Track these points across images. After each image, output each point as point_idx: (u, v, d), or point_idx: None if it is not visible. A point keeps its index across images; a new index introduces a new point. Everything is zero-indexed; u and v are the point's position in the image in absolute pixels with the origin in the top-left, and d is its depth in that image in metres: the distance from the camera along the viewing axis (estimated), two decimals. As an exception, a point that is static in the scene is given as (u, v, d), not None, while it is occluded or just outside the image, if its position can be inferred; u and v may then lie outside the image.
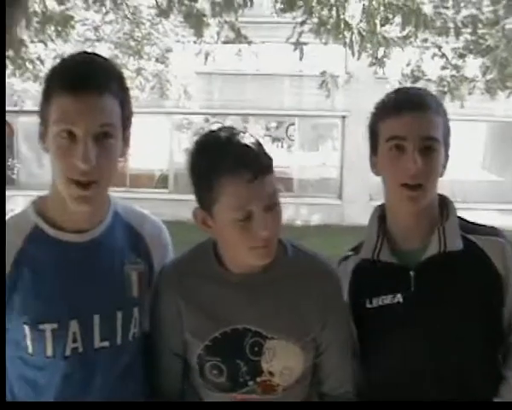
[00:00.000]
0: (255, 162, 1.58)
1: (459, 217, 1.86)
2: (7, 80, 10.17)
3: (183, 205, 15.48)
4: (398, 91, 1.88)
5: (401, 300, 1.80)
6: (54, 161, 1.58)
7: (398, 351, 1.80)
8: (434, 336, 1.75)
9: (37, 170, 16.49)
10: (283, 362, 1.73)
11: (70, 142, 1.53)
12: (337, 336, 1.80)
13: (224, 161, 1.59)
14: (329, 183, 16.83)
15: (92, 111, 1.53)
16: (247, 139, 1.63)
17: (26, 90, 11.58)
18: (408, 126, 1.74)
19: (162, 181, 17.19)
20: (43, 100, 1.59)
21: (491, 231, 1.84)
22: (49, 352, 1.63)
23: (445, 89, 9.17)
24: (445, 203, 1.88)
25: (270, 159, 1.65)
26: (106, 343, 1.68)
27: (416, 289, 1.78)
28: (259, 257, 1.66)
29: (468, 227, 1.84)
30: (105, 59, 1.65)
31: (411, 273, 1.79)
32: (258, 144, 1.64)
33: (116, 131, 1.60)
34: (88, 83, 1.52)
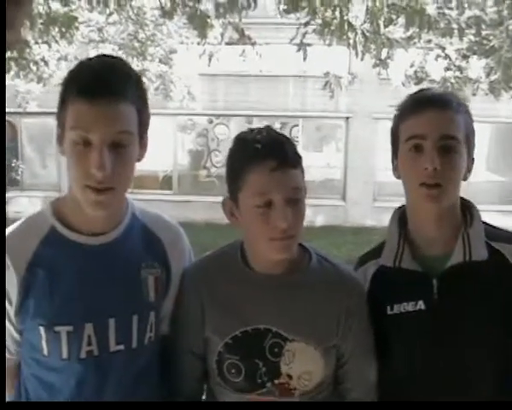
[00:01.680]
0: (280, 153, 1.63)
1: (484, 222, 1.83)
2: (11, 82, 10.21)
3: (187, 206, 15.45)
4: (418, 92, 1.85)
5: (423, 307, 1.77)
6: (69, 165, 1.58)
7: (418, 358, 1.78)
8: (456, 344, 1.73)
9: (40, 171, 16.53)
10: (302, 366, 1.74)
11: (85, 149, 1.53)
12: (360, 346, 1.80)
13: (250, 149, 1.66)
14: (333, 184, 16.82)
15: (108, 119, 1.52)
16: (277, 134, 1.71)
17: (29, 92, 11.62)
18: (426, 125, 1.72)
19: (166, 182, 17.18)
20: (60, 103, 1.58)
21: None
22: (65, 354, 1.64)
23: (449, 90, 9.15)
24: (468, 208, 1.84)
25: (298, 156, 1.70)
26: (121, 347, 1.68)
27: (438, 297, 1.76)
28: (278, 250, 1.67)
29: (493, 234, 1.80)
30: (123, 63, 1.63)
31: (434, 281, 1.77)
32: (288, 141, 1.70)
33: (132, 138, 1.59)
34: (105, 89, 1.51)
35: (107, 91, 1.51)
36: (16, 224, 1.70)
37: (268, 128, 1.75)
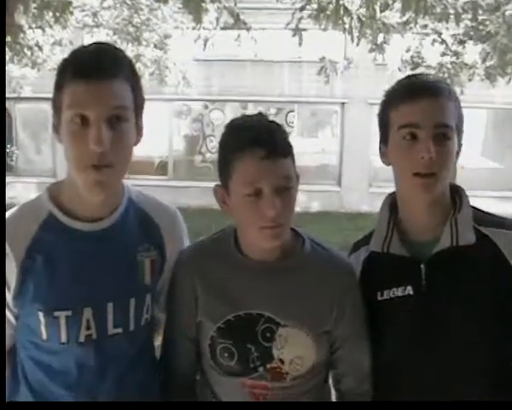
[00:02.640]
0: (269, 142, 1.63)
1: (473, 207, 1.83)
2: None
3: (183, 192, 15.46)
4: (409, 78, 1.84)
5: (412, 292, 1.78)
6: (67, 148, 1.60)
7: (409, 343, 1.78)
8: (445, 329, 1.73)
9: (35, 157, 16.49)
10: (294, 351, 1.75)
11: (83, 127, 1.55)
12: (353, 331, 1.81)
13: (240, 137, 1.66)
14: (329, 169, 16.82)
15: (104, 94, 1.55)
16: (268, 122, 1.71)
17: (24, 77, 11.56)
18: (420, 113, 1.70)
19: (162, 168, 17.16)
20: (56, 90, 1.60)
21: (507, 224, 1.80)
22: (64, 338, 1.66)
23: (445, 75, 9.15)
24: (457, 192, 1.85)
25: (289, 145, 1.70)
26: (119, 330, 1.72)
27: (427, 282, 1.77)
28: (267, 238, 1.68)
29: (481, 219, 1.80)
30: (116, 47, 1.68)
31: (422, 266, 1.77)
32: (279, 129, 1.70)
33: (129, 114, 1.61)
34: (99, 68, 1.54)
35: (101, 70, 1.55)
36: (13, 210, 1.72)
37: (259, 115, 1.75)
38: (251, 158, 1.63)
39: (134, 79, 1.65)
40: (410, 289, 1.79)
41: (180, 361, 1.90)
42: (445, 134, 1.71)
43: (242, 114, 1.78)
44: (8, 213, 1.70)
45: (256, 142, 1.62)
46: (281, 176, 1.65)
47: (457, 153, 1.79)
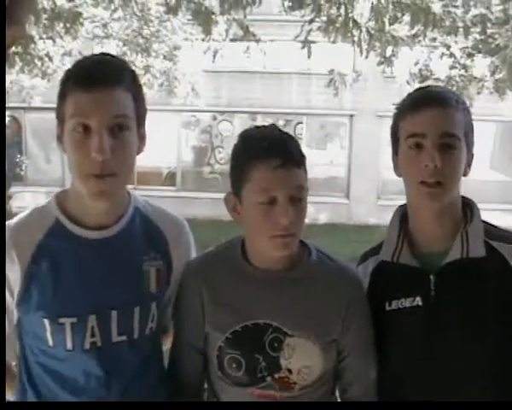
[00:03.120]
0: (284, 151, 1.65)
1: (484, 221, 1.83)
2: (15, 77, 10.22)
3: (191, 202, 15.45)
4: (418, 90, 1.86)
5: (420, 303, 1.78)
6: (70, 157, 1.61)
7: (416, 355, 1.78)
8: (453, 341, 1.73)
9: (44, 166, 16.55)
10: (302, 360, 1.75)
11: (85, 136, 1.56)
12: (360, 342, 1.81)
13: (256, 146, 1.67)
14: (337, 181, 16.82)
15: (106, 103, 1.57)
16: (282, 132, 1.73)
17: (34, 87, 11.62)
18: (426, 123, 1.71)
19: (170, 179, 17.20)
20: (59, 100, 1.62)
21: None
22: (69, 345, 1.67)
23: (454, 88, 9.14)
24: (468, 206, 1.84)
25: (302, 155, 1.71)
26: (123, 337, 1.72)
27: (436, 293, 1.76)
28: (278, 247, 1.69)
29: (492, 233, 1.80)
30: (118, 58, 1.70)
31: (431, 277, 1.77)
32: (293, 140, 1.72)
33: (131, 123, 1.63)
34: (101, 78, 1.56)
35: (103, 79, 1.57)
36: (21, 215, 1.74)
37: (273, 126, 1.77)
38: (266, 166, 1.64)
39: (136, 89, 1.66)
40: (418, 300, 1.78)
41: (187, 371, 1.90)
42: (450, 144, 1.71)
43: (255, 125, 1.80)
44: (15, 219, 1.72)
45: (272, 151, 1.64)
46: (294, 185, 1.67)
47: (469, 164, 1.79)
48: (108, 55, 1.71)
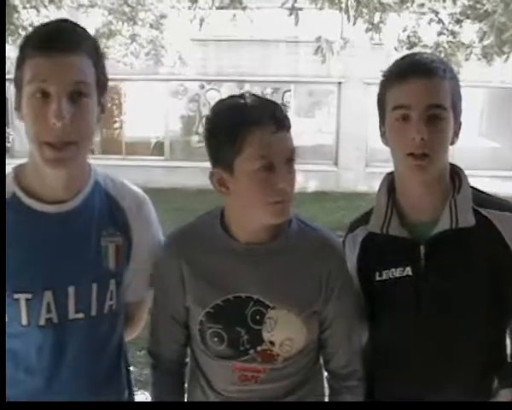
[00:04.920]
0: (278, 116, 1.65)
1: (473, 188, 1.82)
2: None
3: (179, 172, 15.39)
4: (404, 58, 1.82)
5: (411, 273, 1.78)
6: (28, 124, 1.57)
7: (406, 323, 1.79)
8: (443, 310, 1.74)
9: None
10: (284, 333, 1.75)
11: (44, 102, 1.52)
12: (342, 310, 1.81)
13: (249, 112, 1.65)
14: (325, 149, 16.81)
15: (65, 69, 1.53)
16: (267, 99, 1.74)
17: (19, 57, 11.49)
18: (412, 95, 1.70)
19: (158, 148, 17.13)
20: (17, 66, 1.58)
21: (506, 206, 1.79)
22: (24, 321, 1.64)
23: (442, 55, 9.11)
24: (457, 173, 1.83)
25: (288, 119, 1.70)
26: (80, 315, 1.69)
27: (426, 263, 1.77)
28: (276, 213, 1.68)
29: (481, 200, 1.80)
30: (77, 24, 1.63)
31: (421, 248, 1.77)
32: (279, 105, 1.71)
33: (90, 90, 1.58)
34: (60, 42, 1.52)
35: (63, 44, 1.52)
36: None
37: (249, 94, 1.73)
38: (262, 132, 1.63)
39: (97, 56, 1.62)
40: (408, 270, 1.79)
41: (169, 345, 1.90)
42: (437, 115, 1.70)
43: (228, 96, 1.76)
44: None
45: (265, 116, 1.64)
46: (289, 149, 1.67)
47: (456, 133, 1.78)
48: (68, 20, 1.65)
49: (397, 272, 1.80)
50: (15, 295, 1.62)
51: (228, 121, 1.68)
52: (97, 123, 1.64)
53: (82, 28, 1.62)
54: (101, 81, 1.63)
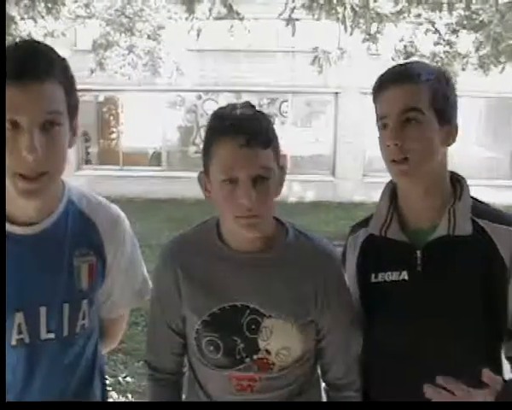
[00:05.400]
0: (249, 130, 1.61)
1: (473, 198, 1.83)
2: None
3: (177, 182, 15.39)
4: (389, 68, 1.84)
5: (406, 277, 1.79)
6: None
7: (399, 327, 1.80)
8: (437, 315, 1.74)
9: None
10: (280, 342, 1.75)
11: (15, 133, 1.48)
12: (338, 320, 1.81)
13: (221, 124, 1.65)
14: (323, 159, 16.83)
15: (36, 99, 1.48)
16: (251, 111, 1.69)
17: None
18: (387, 103, 1.74)
19: (155, 159, 17.14)
20: None
21: (504, 219, 1.79)
22: None
23: (439, 65, 9.14)
24: (459, 182, 1.85)
25: (270, 136, 1.67)
26: (52, 335, 1.68)
27: (422, 268, 1.78)
28: (243, 228, 1.67)
29: (480, 211, 1.81)
30: (48, 47, 1.59)
31: (418, 253, 1.79)
32: (262, 119, 1.68)
33: (62, 118, 1.55)
34: (31, 72, 1.47)
35: (32, 73, 1.47)
36: None
37: (245, 104, 1.72)
38: (229, 145, 1.62)
39: (67, 80, 1.57)
40: (404, 274, 1.80)
41: (166, 355, 1.90)
42: (413, 118, 1.72)
43: (229, 103, 1.75)
44: None
45: (235, 129, 1.61)
46: (258, 166, 1.62)
47: (448, 135, 1.78)
48: (37, 43, 1.61)
49: (393, 276, 1.82)
50: None
51: (208, 129, 1.71)
52: (69, 147, 1.61)
53: (51, 50, 1.57)
54: (73, 106, 1.60)
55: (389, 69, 1.83)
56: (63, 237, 1.70)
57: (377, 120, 1.80)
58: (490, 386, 1.55)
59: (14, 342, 1.65)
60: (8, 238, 1.63)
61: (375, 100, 1.81)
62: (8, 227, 1.64)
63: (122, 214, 1.86)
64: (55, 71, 1.52)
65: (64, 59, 1.60)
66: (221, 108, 1.74)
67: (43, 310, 1.66)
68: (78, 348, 1.76)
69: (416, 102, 1.72)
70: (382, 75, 1.81)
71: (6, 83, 1.47)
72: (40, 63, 1.50)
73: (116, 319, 1.99)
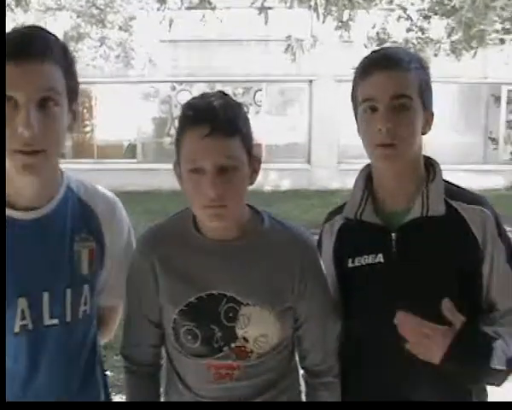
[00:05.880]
0: (212, 120, 1.61)
1: (446, 181, 1.86)
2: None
3: (152, 174, 15.37)
4: (371, 53, 1.87)
5: (382, 260, 1.82)
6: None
7: (376, 310, 1.81)
8: (412, 296, 1.76)
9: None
10: (258, 329, 1.75)
11: (13, 110, 1.52)
12: (316, 307, 1.82)
13: (187, 114, 1.66)
14: (298, 147, 16.85)
15: (33, 76, 1.53)
16: (221, 100, 1.67)
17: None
18: (377, 87, 1.75)
19: (130, 151, 17.05)
20: None
21: (477, 200, 1.83)
22: None
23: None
24: (431, 165, 1.88)
25: (238, 125, 1.66)
26: (55, 321, 1.69)
27: (396, 250, 1.81)
28: (210, 217, 1.68)
29: (453, 192, 1.84)
30: (48, 30, 1.63)
31: (393, 235, 1.81)
32: (230, 108, 1.67)
33: (60, 98, 1.58)
34: (30, 50, 1.52)
35: (32, 52, 1.52)
36: None
37: (216, 93, 1.72)
38: (193, 135, 1.63)
39: (67, 63, 1.61)
40: (380, 257, 1.82)
41: (143, 347, 1.90)
42: (403, 104, 1.75)
43: (202, 93, 1.76)
44: None
45: (198, 119, 1.62)
46: (222, 155, 1.63)
47: (428, 122, 1.82)
48: (37, 27, 1.66)
49: (369, 259, 1.84)
50: None
51: (178, 119, 1.73)
52: (69, 131, 1.64)
53: (52, 35, 1.61)
54: (72, 88, 1.63)
55: (374, 53, 1.86)
56: (64, 222, 1.73)
57: (358, 103, 1.81)
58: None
59: (17, 329, 1.64)
60: (8, 223, 1.63)
61: (358, 83, 1.81)
62: (9, 212, 1.65)
63: (119, 201, 1.91)
64: (53, 51, 1.56)
65: (64, 43, 1.65)
66: (191, 99, 1.74)
67: (45, 295, 1.67)
68: (80, 335, 1.77)
69: (407, 90, 1.75)
70: (368, 58, 1.83)
71: (7, 62, 1.51)
72: (38, 44, 1.54)
73: (113, 307, 2.00)
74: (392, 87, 1.74)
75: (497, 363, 1.69)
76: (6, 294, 1.62)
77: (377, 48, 2.11)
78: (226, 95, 1.73)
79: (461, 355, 1.67)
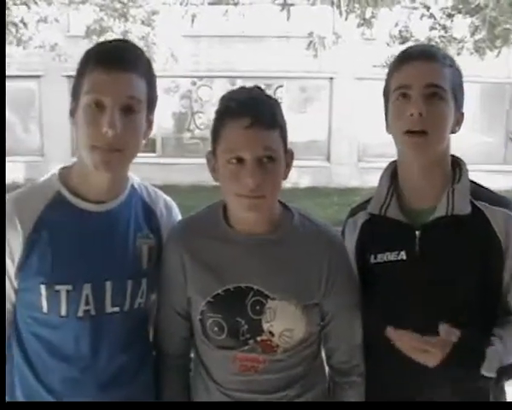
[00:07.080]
0: (255, 112, 1.66)
1: (472, 181, 1.86)
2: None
3: (171, 169, 15.38)
4: (408, 47, 1.90)
5: (405, 257, 1.82)
6: (81, 130, 1.71)
7: (398, 307, 1.81)
8: (434, 294, 1.76)
9: (22, 135, 16.36)
10: (284, 323, 1.77)
11: (98, 112, 1.67)
12: (343, 305, 1.84)
13: (228, 106, 1.71)
14: (318, 145, 16.80)
15: (121, 85, 1.69)
16: (259, 94, 1.75)
17: (9, 55, 11.43)
18: (412, 75, 1.76)
19: (150, 145, 17.09)
20: (77, 78, 1.73)
21: (502, 202, 1.82)
22: (63, 312, 1.75)
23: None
24: (458, 164, 1.88)
25: (277, 118, 1.72)
26: (116, 309, 1.81)
27: (420, 248, 1.80)
28: (245, 207, 1.70)
29: (479, 193, 1.83)
30: (136, 46, 1.83)
31: (417, 233, 1.81)
32: (270, 102, 1.74)
33: (142, 107, 1.73)
34: (119, 60, 1.69)
35: (121, 62, 1.69)
36: (24, 188, 1.87)
37: (253, 88, 1.77)
38: (234, 126, 1.67)
39: (150, 77, 1.77)
40: (403, 254, 1.82)
41: (173, 339, 1.93)
42: (436, 94, 1.75)
43: (240, 86, 1.82)
44: (17, 191, 1.82)
45: (240, 111, 1.66)
46: (263, 146, 1.67)
47: (458, 121, 1.83)
48: (128, 41, 1.89)
49: (392, 256, 1.84)
50: (57, 287, 1.73)
51: (216, 111, 1.77)
52: (144, 137, 1.79)
53: (139, 50, 1.80)
54: (152, 100, 1.79)
55: (413, 46, 1.90)
56: (128, 218, 1.86)
57: (390, 93, 1.81)
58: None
59: (80, 313, 1.76)
60: (79, 212, 1.78)
61: (394, 71, 1.82)
62: (79, 203, 1.79)
63: (175, 206, 2.03)
64: (139, 65, 1.74)
65: (149, 59, 1.83)
66: (230, 92, 1.79)
67: (108, 284, 1.78)
68: (135, 325, 1.88)
69: (441, 81, 1.76)
70: (404, 51, 1.84)
71: (94, 68, 1.68)
72: (129, 56, 1.73)
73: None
74: (428, 75, 1.75)
75: (488, 370, 1.69)
76: (73, 278, 1.74)
77: (401, 47, 2.12)
78: (263, 90, 1.77)
79: (455, 363, 1.68)
